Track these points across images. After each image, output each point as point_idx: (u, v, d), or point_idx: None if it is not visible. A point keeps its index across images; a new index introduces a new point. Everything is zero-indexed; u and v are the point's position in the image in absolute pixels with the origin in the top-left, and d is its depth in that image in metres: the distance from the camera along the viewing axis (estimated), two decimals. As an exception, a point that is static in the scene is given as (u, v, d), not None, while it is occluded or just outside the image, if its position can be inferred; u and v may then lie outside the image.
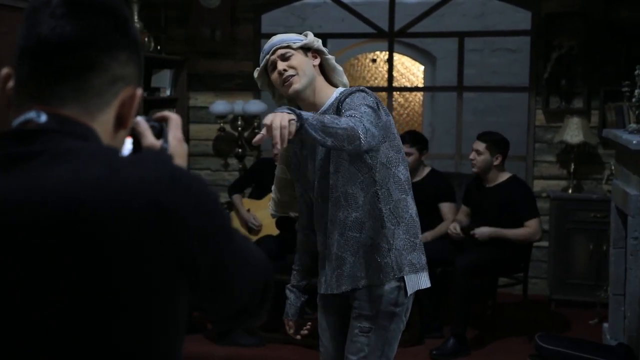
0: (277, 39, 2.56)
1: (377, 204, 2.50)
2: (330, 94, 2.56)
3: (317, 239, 2.65)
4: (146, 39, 5.87)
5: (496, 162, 4.86)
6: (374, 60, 9.37)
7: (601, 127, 5.63)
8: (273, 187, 2.81)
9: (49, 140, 1.01)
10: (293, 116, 2.10)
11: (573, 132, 5.57)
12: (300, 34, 2.61)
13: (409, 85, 9.23)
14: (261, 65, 2.56)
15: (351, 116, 2.29)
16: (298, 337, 2.80)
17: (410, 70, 9.27)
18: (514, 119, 7.60)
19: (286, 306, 2.77)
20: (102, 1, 1.07)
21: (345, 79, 2.64)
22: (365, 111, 2.34)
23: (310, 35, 2.58)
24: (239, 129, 6.24)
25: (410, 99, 9.44)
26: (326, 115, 2.26)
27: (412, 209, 2.58)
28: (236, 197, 5.53)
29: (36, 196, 0.97)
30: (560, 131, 5.71)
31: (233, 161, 6.39)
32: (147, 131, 1.18)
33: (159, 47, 6.07)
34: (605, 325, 4.55)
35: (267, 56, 2.53)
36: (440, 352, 4.54)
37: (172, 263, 1.00)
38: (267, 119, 2.09)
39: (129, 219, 0.97)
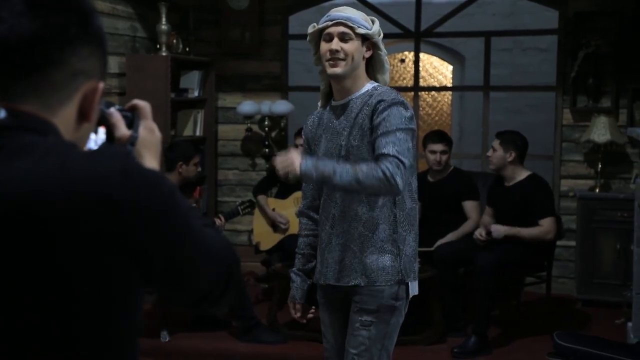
0: (345, 13, 2.56)
1: (393, 209, 2.55)
2: (365, 84, 2.61)
3: (320, 227, 2.68)
4: (174, 41, 5.98)
5: (509, 159, 4.86)
6: (402, 61, 9.39)
7: (629, 126, 5.57)
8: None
9: (6, 137, 1.03)
10: (299, 166, 2.38)
11: (600, 131, 5.53)
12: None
13: (437, 85, 9.22)
14: (319, 26, 2.59)
15: (388, 154, 2.39)
16: (304, 321, 2.82)
17: (438, 70, 9.27)
18: (542, 118, 7.56)
19: (292, 290, 2.78)
20: None
21: (387, 77, 2.67)
22: (403, 140, 2.42)
23: (376, 26, 2.60)
24: (266, 129, 6.30)
25: (439, 99, 9.43)
26: (363, 167, 2.37)
27: (418, 220, 2.65)
28: (261, 198, 5.61)
29: None
30: (588, 130, 5.67)
31: (260, 161, 6.46)
32: (120, 122, 1.20)
33: (187, 49, 6.17)
34: (630, 324, 4.51)
35: (329, 23, 2.56)
36: (461, 350, 4.54)
37: (123, 255, 1.02)
38: (283, 159, 2.44)
39: (79, 213, 0.99)
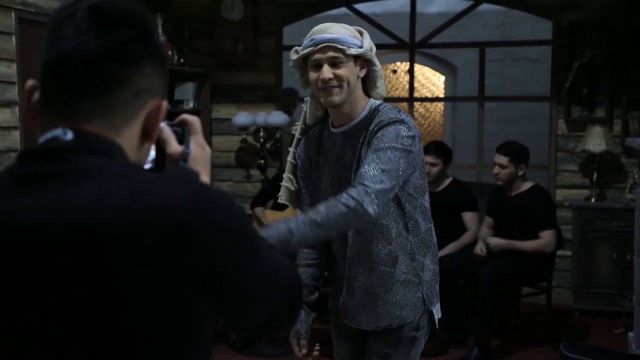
0: (330, 34, 2.26)
1: (407, 237, 2.37)
2: (364, 106, 2.38)
3: (338, 263, 2.52)
4: (169, 52, 5.95)
5: (521, 173, 4.87)
6: (394, 71, 9.41)
7: (624, 136, 5.61)
8: (285, 174, 2.59)
9: (74, 159, 1.00)
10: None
11: (595, 141, 5.56)
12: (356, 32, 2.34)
13: (429, 95, 9.25)
14: (302, 52, 2.31)
15: (361, 183, 2.16)
16: (309, 358, 2.58)
17: (431, 81, 9.30)
18: (535, 128, 7.60)
19: (296, 324, 2.53)
20: (126, 13, 1.05)
21: (382, 90, 2.43)
22: (389, 158, 2.19)
23: (367, 41, 2.32)
24: (261, 140, 6.29)
25: (432, 109, 9.45)
26: (320, 208, 2.15)
27: (435, 236, 2.48)
28: (258, 210, 5.58)
29: (57, 217, 0.96)
30: (583, 140, 5.70)
31: (255, 172, 6.44)
32: (171, 138, 1.16)
33: (182, 60, 6.14)
34: (630, 334, 4.52)
35: (314, 50, 2.27)
36: (464, 361, 4.53)
37: (196, 282, 0.98)
38: None
39: (151, 240, 0.95)
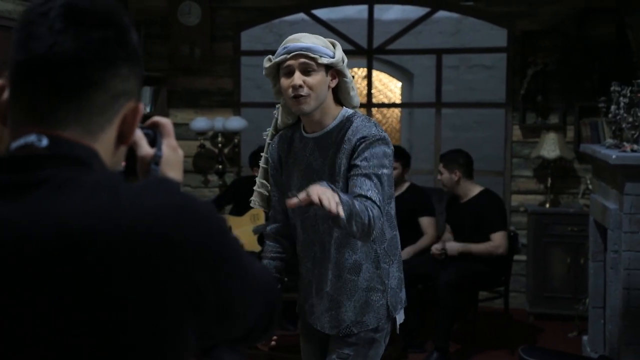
0: (304, 43, 2.32)
1: (372, 245, 2.42)
2: (335, 114, 2.43)
3: (303, 264, 2.55)
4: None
5: (456, 178, 4.96)
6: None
7: (577, 142, 5.73)
8: (258, 179, 2.64)
9: (51, 168, 0.96)
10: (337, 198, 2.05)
11: (549, 147, 5.67)
12: (328, 42, 2.41)
13: (386, 101, 9.30)
14: (276, 59, 2.36)
15: (372, 199, 2.23)
16: (266, 349, 2.71)
17: (387, 87, 9.35)
18: (490, 134, 7.70)
19: None
20: (102, 12, 1.00)
21: (356, 101, 2.48)
22: (383, 177, 2.29)
23: (339, 52, 2.37)
24: (219, 145, 6.25)
25: (388, 115, 9.50)
26: (356, 203, 2.17)
27: (400, 244, 2.54)
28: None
29: (40, 228, 0.92)
30: (537, 146, 5.80)
31: (213, 177, 6.39)
32: (142, 140, 1.12)
33: (138, 64, 6.07)
34: (585, 337, 4.61)
35: (287, 57, 2.32)
36: (423, 366, 4.57)
37: (179, 293, 0.96)
38: (313, 192, 2.03)
39: (137, 251, 0.93)
